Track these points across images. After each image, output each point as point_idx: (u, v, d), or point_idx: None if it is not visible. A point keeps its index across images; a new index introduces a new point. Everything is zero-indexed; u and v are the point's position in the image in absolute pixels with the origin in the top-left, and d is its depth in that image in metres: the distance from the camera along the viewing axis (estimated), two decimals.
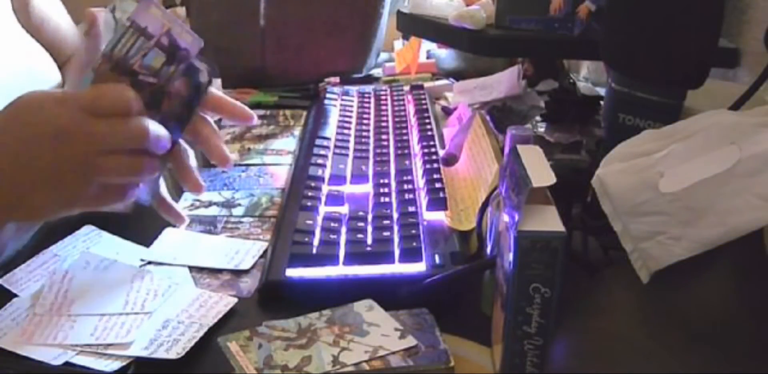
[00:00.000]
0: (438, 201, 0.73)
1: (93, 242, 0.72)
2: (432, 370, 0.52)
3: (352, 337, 0.55)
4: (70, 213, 0.58)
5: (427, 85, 1.13)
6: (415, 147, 0.88)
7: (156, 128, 0.56)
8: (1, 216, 0.56)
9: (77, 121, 0.53)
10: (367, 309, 0.58)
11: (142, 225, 0.76)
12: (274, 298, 0.64)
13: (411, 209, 0.72)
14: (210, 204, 0.81)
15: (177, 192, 0.83)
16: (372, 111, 1.02)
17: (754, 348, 0.48)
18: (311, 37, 1.16)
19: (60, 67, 0.88)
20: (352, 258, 0.65)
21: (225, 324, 0.60)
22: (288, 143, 0.98)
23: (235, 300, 0.63)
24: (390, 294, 0.59)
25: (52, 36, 0.86)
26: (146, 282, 0.65)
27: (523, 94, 0.96)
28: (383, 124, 0.96)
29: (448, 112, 1.05)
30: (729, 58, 0.79)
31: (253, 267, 0.69)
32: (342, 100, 1.06)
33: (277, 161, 0.92)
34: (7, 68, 0.78)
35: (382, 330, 0.55)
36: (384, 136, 0.92)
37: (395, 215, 0.72)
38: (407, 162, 0.83)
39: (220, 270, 0.68)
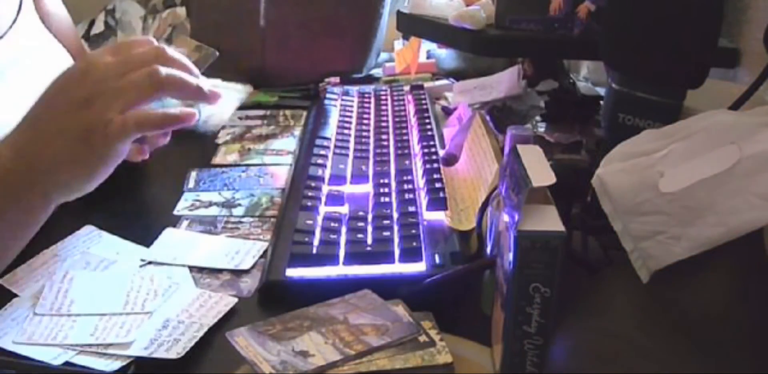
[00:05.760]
0: (438, 201, 0.73)
1: (93, 242, 0.72)
2: (412, 344, 0.53)
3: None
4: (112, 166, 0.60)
5: (427, 85, 1.13)
6: (415, 147, 0.88)
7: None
8: (44, 208, 0.60)
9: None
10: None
11: (142, 225, 0.76)
12: (274, 298, 0.64)
13: (411, 209, 0.72)
14: (210, 204, 0.81)
15: (177, 192, 0.84)
16: (372, 111, 1.02)
17: (754, 348, 0.48)
18: (311, 37, 1.16)
19: None
20: (352, 258, 0.65)
21: (225, 323, 0.60)
22: (288, 143, 0.98)
23: (235, 300, 0.63)
24: (390, 294, 0.59)
25: (55, 31, 0.86)
26: (146, 282, 0.65)
27: (523, 94, 0.95)
28: (383, 124, 0.96)
29: (448, 112, 1.05)
30: (729, 58, 0.79)
31: (253, 267, 0.69)
32: (342, 100, 1.06)
33: (277, 161, 0.92)
34: (41, 76, 0.79)
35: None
36: (384, 136, 0.92)
37: (395, 215, 0.72)
38: (407, 162, 0.83)
39: (220, 270, 0.68)
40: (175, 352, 0.56)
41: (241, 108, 1.09)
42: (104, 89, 0.58)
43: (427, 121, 0.94)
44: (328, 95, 1.07)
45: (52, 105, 0.59)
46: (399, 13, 1.01)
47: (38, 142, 0.58)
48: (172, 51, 0.63)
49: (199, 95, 0.64)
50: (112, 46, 0.63)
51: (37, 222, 0.61)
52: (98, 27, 1.43)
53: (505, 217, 0.51)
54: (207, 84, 0.65)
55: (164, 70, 0.60)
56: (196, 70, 0.65)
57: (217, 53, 0.76)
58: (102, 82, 0.58)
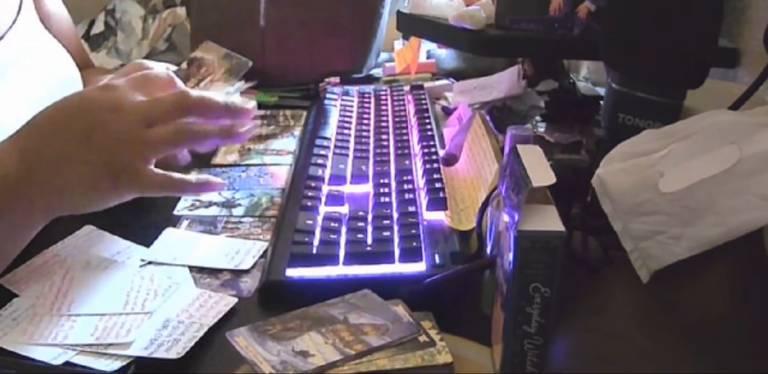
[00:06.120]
0: (438, 201, 0.73)
1: (93, 242, 0.72)
2: (412, 344, 0.53)
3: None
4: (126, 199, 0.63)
5: (427, 85, 1.13)
6: (415, 147, 0.88)
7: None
8: (45, 214, 0.61)
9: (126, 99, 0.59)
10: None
11: (142, 225, 0.76)
12: (274, 298, 0.64)
13: (411, 209, 0.72)
14: (210, 204, 0.81)
15: None
16: (372, 111, 1.02)
17: (754, 348, 0.48)
18: (311, 37, 1.16)
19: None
20: (352, 258, 0.65)
21: (225, 324, 0.60)
22: (288, 143, 0.98)
23: (235, 300, 0.63)
24: (390, 294, 0.59)
25: (55, 32, 0.86)
26: (146, 282, 0.65)
27: (523, 94, 0.96)
28: (383, 124, 0.96)
29: (448, 112, 1.05)
30: (729, 58, 0.79)
31: (253, 267, 0.69)
32: (342, 100, 1.06)
33: (277, 161, 0.92)
34: (41, 76, 0.79)
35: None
36: (384, 136, 0.92)
37: (395, 215, 0.72)
38: (407, 162, 0.83)
39: (220, 270, 0.68)
40: (175, 352, 0.56)
41: None
42: (134, 138, 0.59)
43: (427, 121, 0.94)
44: (328, 95, 1.07)
45: (73, 131, 0.59)
46: (399, 13, 1.01)
47: (54, 165, 0.58)
48: (196, 94, 0.63)
49: (225, 140, 0.67)
50: (136, 78, 0.62)
51: (35, 228, 0.61)
52: (98, 27, 1.43)
53: (505, 217, 0.51)
54: (245, 124, 0.67)
55: (191, 128, 0.62)
56: (222, 105, 0.65)
57: (251, 63, 0.75)
58: (130, 130, 0.59)
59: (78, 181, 0.59)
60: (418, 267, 0.64)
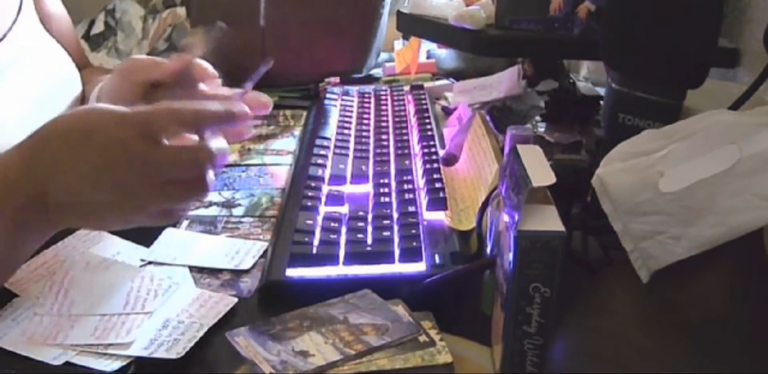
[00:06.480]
0: (438, 201, 0.73)
1: (93, 242, 0.72)
2: (412, 344, 0.53)
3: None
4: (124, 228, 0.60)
5: (427, 85, 1.13)
6: (415, 147, 0.88)
7: (218, 146, 0.58)
8: (59, 223, 0.59)
9: (142, 149, 0.55)
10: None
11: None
12: (274, 298, 0.64)
13: (411, 209, 0.72)
14: (210, 204, 0.81)
15: None
16: (372, 111, 1.02)
17: (754, 348, 0.48)
18: (311, 37, 1.16)
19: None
20: (352, 258, 0.65)
21: (225, 323, 0.60)
22: (288, 143, 0.98)
23: (235, 300, 0.63)
24: (390, 294, 0.59)
25: (55, 33, 0.86)
26: (146, 282, 0.65)
27: (523, 94, 0.96)
28: (383, 124, 0.96)
29: (448, 112, 1.05)
30: (729, 58, 0.79)
31: (253, 267, 0.69)
32: (342, 100, 1.06)
33: (277, 161, 0.92)
34: (41, 76, 0.79)
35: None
36: (384, 136, 0.92)
37: (395, 215, 0.72)
38: (407, 162, 0.83)
39: (220, 270, 0.68)
40: (175, 352, 0.56)
41: None
42: (130, 144, 0.55)
43: (427, 121, 0.94)
44: (328, 95, 1.07)
45: (74, 131, 0.57)
46: (399, 13, 1.01)
47: (53, 163, 0.56)
48: (192, 108, 0.59)
49: None
50: (173, 113, 0.57)
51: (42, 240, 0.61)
52: (98, 27, 1.43)
53: (505, 217, 0.51)
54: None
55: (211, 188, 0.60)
56: (224, 113, 0.61)
57: (223, 25, 0.74)
58: (127, 136, 0.55)
59: (77, 179, 0.58)
60: (418, 267, 0.64)
